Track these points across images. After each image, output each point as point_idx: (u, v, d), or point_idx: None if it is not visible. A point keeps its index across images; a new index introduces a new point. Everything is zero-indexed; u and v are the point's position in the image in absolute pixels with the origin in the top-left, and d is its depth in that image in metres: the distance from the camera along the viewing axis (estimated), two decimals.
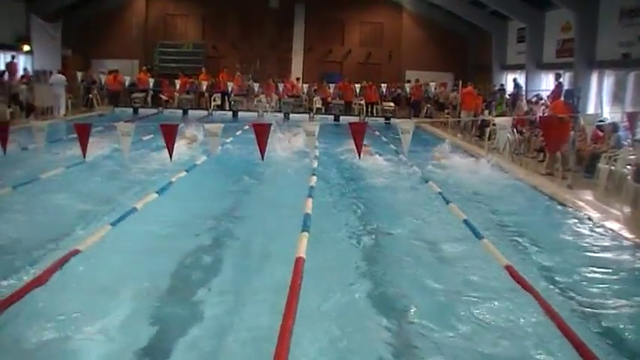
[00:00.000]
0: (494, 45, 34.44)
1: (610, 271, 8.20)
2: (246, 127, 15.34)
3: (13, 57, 29.32)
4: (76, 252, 7.43)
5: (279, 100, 32.87)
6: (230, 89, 32.62)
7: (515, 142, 18.00)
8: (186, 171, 13.51)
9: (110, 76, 32.33)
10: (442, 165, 16.33)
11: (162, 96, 32.56)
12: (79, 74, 31.38)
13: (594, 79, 23.40)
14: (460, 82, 27.64)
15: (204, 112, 31.15)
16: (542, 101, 23.48)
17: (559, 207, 12.05)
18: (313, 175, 13.50)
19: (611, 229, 10.31)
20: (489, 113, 23.53)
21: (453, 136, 23.41)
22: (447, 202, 11.35)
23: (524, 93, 27.83)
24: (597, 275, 8.03)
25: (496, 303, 6.90)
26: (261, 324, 6.09)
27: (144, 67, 35.70)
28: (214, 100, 32.41)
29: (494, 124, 16.80)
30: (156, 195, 11.04)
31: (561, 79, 24.72)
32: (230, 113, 31.43)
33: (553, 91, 23.96)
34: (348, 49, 40.16)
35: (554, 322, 6.02)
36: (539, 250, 9.01)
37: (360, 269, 8.01)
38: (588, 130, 14.00)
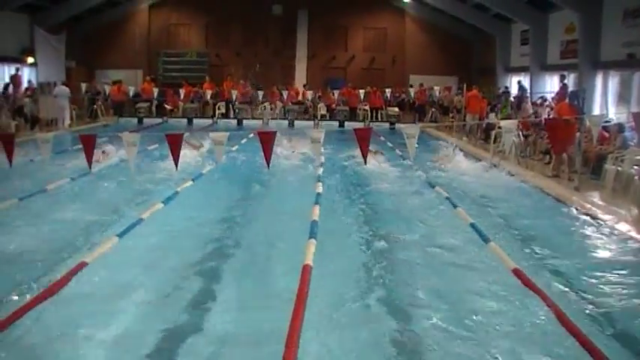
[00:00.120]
0: (498, 48, 34.41)
1: (619, 273, 8.15)
2: (251, 135, 15.33)
3: (17, 69, 29.40)
4: (83, 264, 7.43)
5: (283, 108, 32.92)
6: (234, 97, 32.69)
7: (521, 144, 17.99)
8: (192, 180, 13.52)
9: (114, 86, 32.41)
10: (448, 169, 16.33)
11: (166, 105, 32.62)
12: (83, 85, 31.51)
13: (599, 79, 23.34)
14: (465, 85, 27.61)
15: (209, 121, 31.13)
16: (547, 103, 23.45)
17: (566, 209, 12.01)
18: (319, 181, 13.49)
19: (619, 231, 10.28)
20: (495, 116, 23.47)
21: (459, 139, 23.37)
22: (454, 206, 11.33)
23: (528, 95, 27.80)
24: (606, 277, 7.98)
25: (505, 307, 6.90)
26: (268, 333, 6.08)
27: (148, 77, 35.80)
28: (219, 109, 32.48)
29: (499, 127, 16.79)
30: (162, 205, 11.05)
31: (566, 81, 24.71)
32: (235, 121, 31.39)
33: (558, 93, 23.93)
34: (351, 54, 40.12)
35: (563, 324, 6.00)
36: (546, 253, 8.99)
37: (368, 275, 8.00)
38: (594, 132, 13.96)
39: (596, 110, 22.31)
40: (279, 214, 11.44)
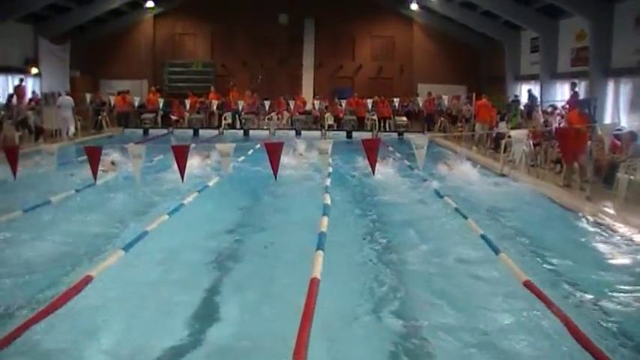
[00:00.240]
0: (508, 56, 34.36)
1: (634, 284, 8.12)
2: (258, 145, 15.37)
3: (21, 80, 29.52)
4: (88, 278, 7.40)
5: (290, 118, 32.95)
6: (241, 107, 32.74)
7: (531, 153, 17.95)
8: (198, 192, 13.52)
9: (118, 97, 32.54)
10: (457, 179, 16.29)
11: (172, 116, 32.78)
12: (88, 96, 31.63)
13: (610, 87, 23.30)
14: (474, 94, 27.57)
15: (215, 132, 31.17)
16: (558, 111, 23.41)
17: (578, 219, 11.98)
18: (327, 192, 13.47)
19: (632, 241, 10.24)
20: (506, 125, 23.44)
21: (468, 149, 23.36)
22: (464, 217, 11.30)
23: (539, 104, 27.74)
24: (620, 289, 7.94)
25: (516, 320, 6.87)
26: (275, 347, 6.06)
27: (153, 88, 35.90)
28: (225, 119, 32.55)
29: (509, 137, 16.76)
30: (167, 217, 11.04)
31: (577, 89, 24.66)
32: (241, 132, 31.44)
33: (568, 101, 23.88)
34: (359, 63, 40.17)
35: (576, 338, 5.96)
36: (558, 265, 8.96)
37: (377, 288, 7.98)
38: (606, 140, 13.93)
39: (608, 118, 22.27)
40: (286, 225, 11.43)
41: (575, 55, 26.82)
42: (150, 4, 37.80)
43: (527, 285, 7.33)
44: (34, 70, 30.99)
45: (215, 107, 33.27)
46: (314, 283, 6.98)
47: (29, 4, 29.21)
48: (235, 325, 6.93)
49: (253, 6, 37.81)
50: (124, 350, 6.15)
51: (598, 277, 8.45)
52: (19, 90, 28.47)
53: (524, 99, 30.72)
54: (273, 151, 10.66)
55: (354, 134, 29.87)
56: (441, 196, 13.48)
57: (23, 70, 30.46)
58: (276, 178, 10.93)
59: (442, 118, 32.00)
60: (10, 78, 30.07)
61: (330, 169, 16.30)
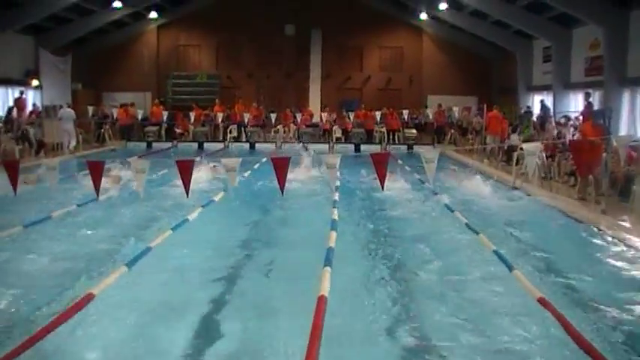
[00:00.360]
0: (519, 66, 34.33)
1: None
2: (264, 159, 15.34)
3: (21, 92, 29.59)
4: (90, 296, 7.37)
5: (297, 130, 32.97)
6: (246, 120, 32.75)
7: (544, 166, 17.90)
8: (203, 207, 13.49)
9: (120, 109, 32.65)
10: (469, 193, 16.26)
11: (176, 129, 32.84)
12: (90, 109, 31.67)
13: (626, 97, 23.25)
14: (485, 105, 27.54)
15: (221, 145, 31.22)
16: (571, 122, 23.35)
17: (593, 233, 11.91)
18: (335, 207, 13.43)
19: None
20: (518, 136, 23.38)
21: (479, 162, 23.33)
22: (476, 233, 11.24)
23: (552, 115, 27.65)
24: (637, 304, 7.90)
25: (531, 338, 6.83)
26: None
27: (156, 100, 36.04)
28: (230, 132, 32.57)
29: (521, 149, 16.73)
30: (171, 232, 11.02)
31: (591, 99, 24.57)
32: (247, 145, 31.50)
33: (583, 112, 23.81)
34: (367, 75, 40.25)
35: (591, 357, 5.91)
36: (573, 281, 8.91)
37: (388, 305, 7.96)
38: (621, 152, 13.87)
39: (624, 129, 22.21)
40: (293, 240, 11.42)
41: (589, 65, 26.80)
42: (153, 15, 37.95)
43: (542, 302, 7.28)
44: (35, 83, 31.13)
45: (220, 120, 33.32)
46: (322, 301, 6.94)
47: (30, 15, 29.39)
48: (241, 344, 6.90)
49: (259, 16, 37.98)
50: None
51: (614, 293, 8.39)
52: (19, 102, 28.55)
53: (536, 110, 30.69)
54: (280, 166, 10.64)
55: (363, 147, 29.85)
56: (452, 211, 13.42)
57: (24, 83, 30.58)
58: (282, 193, 10.89)
59: (452, 131, 32.00)
60: (10, 90, 30.20)
61: (338, 183, 16.28)
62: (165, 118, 33.40)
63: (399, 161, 21.66)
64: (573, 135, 20.43)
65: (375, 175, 11.35)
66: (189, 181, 10.83)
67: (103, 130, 31.22)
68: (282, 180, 10.63)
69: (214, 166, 18.06)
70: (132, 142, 31.19)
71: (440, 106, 33.73)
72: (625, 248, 10.74)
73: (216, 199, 14.78)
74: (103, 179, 11.52)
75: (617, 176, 15.02)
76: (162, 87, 39.56)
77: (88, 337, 6.88)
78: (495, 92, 37.43)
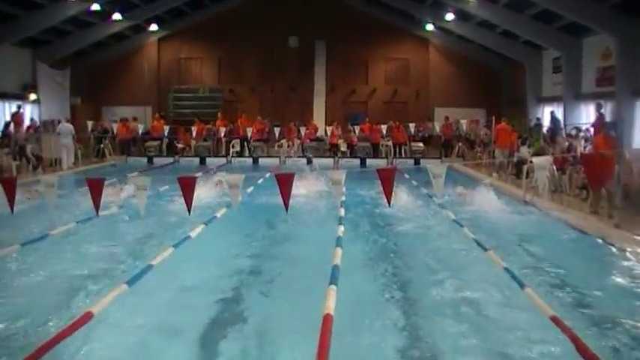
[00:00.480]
0: (529, 77, 34.34)
1: None
2: (268, 174, 15.32)
3: (19, 107, 29.64)
4: (89, 315, 7.34)
5: (301, 145, 32.97)
6: (249, 134, 32.79)
7: (555, 179, 17.85)
8: (205, 224, 13.48)
9: (120, 123, 32.71)
10: (478, 207, 16.22)
11: (177, 144, 32.86)
12: (90, 123, 31.70)
13: (639, 108, 23.19)
14: (493, 117, 27.51)
15: (223, 160, 31.24)
16: (582, 134, 23.30)
17: (606, 248, 11.86)
18: (340, 224, 13.40)
19: None
20: (528, 149, 23.34)
21: (488, 175, 23.29)
22: (485, 249, 11.19)
23: (563, 127, 27.59)
24: None
25: (543, 358, 6.78)
26: None
27: (157, 114, 36.11)
28: (233, 147, 32.57)
29: (531, 162, 16.69)
30: (173, 250, 10.99)
31: (602, 110, 24.51)
32: (250, 160, 31.53)
33: (594, 124, 23.78)
34: (372, 87, 40.24)
35: None
36: (587, 298, 8.86)
37: (395, 325, 7.92)
38: (634, 164, 13.83)
39: (637, 141, 22.15)
40: (297, 258, 11.38)
41: (600, 75, 26.76)
42: (153, 27, 38.06)
43: (555, 320, 7.24)
44: (33, 97, 31.21)
45: (223, 134, 33.34)
46: (327, 320, 6.89)
47: (27, 28, 29.46)
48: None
49: (262, 29, 38.09)
50: None
51: (630, 310, 8.35)
52: (16, 117, 28.57)
53: (546, 122, 30.64)
54: (284, 182, 10.62)
55: (369, 161, 29.85)
56: (461, 226, 13.39)
57: (21, 97, 30.69)
58: (287, 209, 10.87)
59: (460, 144, 31.97)
60: (7, 105, 30.27)
61: (344, 198, 16.25)
62: (166, 132, 33.46)
63: (406, 175, 21.63)
64: (585, 147, 20.39)
65: (381, 190, 11.30)
66: (192, 198, 10.81)
67: (102, 146, 31.32)
68: (286, 196, 10.60)
69: (219, 181, 18.05)
70: (132, 158, 31.27)
71: (447, 118, 33.72)
72: (639, 262, 10.68)
73: (219, 215, 14.76)
74: (105, 193, 11.53)
75: (630, 189, 14.97)
76: (163, 101, 39.63)
77: (85, 356, 6.85)
78: (504, 104, 37.46)
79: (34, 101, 31.41)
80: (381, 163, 29.58)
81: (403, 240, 13.00)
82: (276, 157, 31.51)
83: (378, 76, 40.47)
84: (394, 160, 30.52)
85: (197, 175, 16.83)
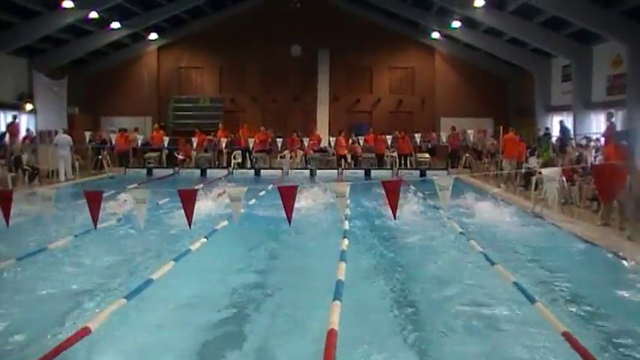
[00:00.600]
0: (537, 85, 34.36)
1: None
2: (270, 186, 15.31)
3: (14, 117, 29.74)
4: (86, 330, 7.31)
5: (304, 156, 32.95)
6: (251, 145, 32.76)
7: (565, 190, 17.81)
8: (206, 237, 13.45)
9: (118, 134, 32.76)
10: (486, 219, 16.18)
11: (177, 155, 32.84)
12: (88, 134, 31.74)
13: None
14: (501, 127, 27.49)
15: (224, 172, 31.15)
16: (593, 144, 23.25)
17: (618, 261, 11.79)
18: (345, 237, 13.37)
19: None
20: (536, 159, 23.30)
21: (496, 186, 23.26)
22: (492, 263, 11.15)
23: (572, 137, 27.54)
24: None
25: None
26: None
27: (156, 125, 36.16)
28: (234, 158, 32.53)
29: (539, 173, 16.65)
30: (173, 263, 10.96)
31: (613, 119, 24.46)
32: (252, 172, 31.44)
33: (605, 133, 23.73)
34: (377, 97, 40.27)
35: None
36: (599, 313, 8.81)
37: (401, 342, 7.89)
38: None
39: None
40: (300, 272, 11.35)
41: (611, 83, 26.76)
42: (153, 35, 38.13)
43: (566, 336, 7.20)
44: (29, 107, 31.27)
45: (224, 145, 33.30)
46: (332, 335, 6.86)
47: (23, 36, 29.56)
48: None
49: (264, 37, 38.17)
50: None
51: None
52: (12, 127, 28.64)
53: (555, 132, 30.60)
54: (287, 195, 10.61)
55: (373, 173, 29.85)
56: (469, 239, 13.35)
57: (17, 107, 30.77)
58: (290, 223, 10.85)
59: (467, 154, 31.93)
60: (2, 114, 30.32)
61: (348, 211, 16.23)
62: (166, 143, 33.42)
63: (412, 187, 21.61)
64: (595, 157, 20.34)
65: (387, 202, 11.27)
66: (192, 211, 10.80)
67: (100, 157, 31.31)
68: (289, 209, 10.59)
69: (222, 193, 18.05)
70: (131, 169, 31.27)
71: (454, 128, 33.71)
72: None
73: (221, 228, 14.75)
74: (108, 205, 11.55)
75: None
76: (163, 111, 39.71)
77: None
78: (512, 113, 37.47)
79: (30, 111, 31.47)
80: (385, 174, 29.57)
81: (409, 254, 12.96)
82: (278, 168, 31.48)
83: (383, 85, 40.52)
84: (399, 171, 30.51)
85: (198, 187, 16.77)
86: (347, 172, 30.28)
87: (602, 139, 23.11)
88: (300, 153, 33.11)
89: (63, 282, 10.45)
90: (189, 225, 10.95)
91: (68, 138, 27.25)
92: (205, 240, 13.19)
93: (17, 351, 7.38)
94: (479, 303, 9.37)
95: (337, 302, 8.13)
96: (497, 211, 17.16)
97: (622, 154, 15.83)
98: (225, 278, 10.95)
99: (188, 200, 10.77)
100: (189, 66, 40.66)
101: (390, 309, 9.20)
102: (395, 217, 11.38)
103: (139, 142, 33.58)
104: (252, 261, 12.40)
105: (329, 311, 7.75)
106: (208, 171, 31.09)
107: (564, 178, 17.65)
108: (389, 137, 32.57)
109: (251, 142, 32.76)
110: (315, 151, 33.21)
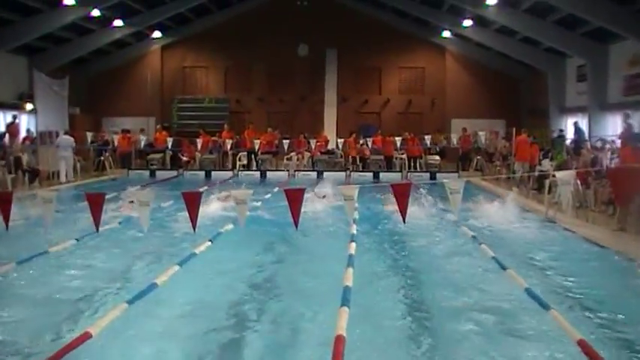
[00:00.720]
0: (551, 86, 34.27)
1: None
2: (276, 189, 15.29)
3: (14, 117, 29.83)
4: (87, 336, 7.31)
5: (311, 158, 32.93)
6: (257, 147, 32.77)
7: (579, 194, 17.76)
8: (210, 241, 13.45)
9: (120, 135, 32.76)
10: (499, 224, 16.13)
11: (181, 156, 32.88)
12: (89, 135, 31.77)
13: None
14: (513, 129, 27.43)
15: (229, 174, 31.20)
16: (608, 146, 23.17)
17: (635, 267, 11.75)
18: (353, 241, 13.34)
19: None
20: (550, 162, 23.25)
21: (508, 190, 23.21)
22: (504, 268, 11.11)
23: (587, 139, 27.43)
24: None
25: None
26: None
27: (159, 125, 36.11)
28: (240, 160, 32.56)
29: (553, 176, 16.60)
30: (177, 268, 10.96)
31: (630, 120, 24.36)
32: (258, 174, 31.36)
33: (621, 135, 23.63)
34: (386, 97, 40.23)
35: None
36: (616, 321, 8.76)
37: (411, 350, 7.86)
38: None
39: None
40: (307, 277, 11.33)
41: (628, 83, 26.66)
42: (157, 34, 38.16)
43: (582, 345, 7.17)
44: (29, 107, 31.32)
45: (229, 147, 33.32)
46: (340, 341, 6.84)
47: (23, 35, 29.66)
48: None
49: (270, 36, 38.20)
50: None
51: None
52: (11, 128, 28.70)
53: (570, 133, 30.50)
54: (294, 198, 10.60)
55: (382, 175, 29.80)
56: (480, 244, 13.32)
57: (17, 106, 30.84)
58: (297, 226, 10.83)
59: (478, 157, 31.86)
60: (1, 115, 30.39)
61: (356, 215, 16.20)
62: (169, 144, 33.43)
63: (421, 190, 21.57)
64: (611, 160, 20.28)
65: (396, 206, 11.24)
66: (197, 214, 10.79)
67: (102, 158, 31.40)
68: (296, 213, 10.58)
69: (227, 196, 18.05)
70: (134, 171, 31.29)
71: (465, 130, 33.65)
72: None
73: (226, 231, 14.74)
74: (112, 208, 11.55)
75: None
76: (166, 112, 39.71)
77: None
78: (525, 115, 37.36)
79: (30, 111, 31.51)
80: (394, 176, 29.55)
81: (419, 258, 12.93)
82: (285, 170, 31.47)
83: (392, 85, 40.50)
84: (409, 174, 30.47)
85: (202, 189, 16.77)
86: (355, 175, 30.21)
87: (619, 141, 23.02)
88: (306, 155, 33.08)
89: (63, 286, 10.46)
90: (194, 228, 10.95)
91: (70, 139, 27.33)
92: (210, 243, 13.20)
93: (18, 356, 7.37)
94: (491, 309, 9.34)
95: (345, 308, 8.11)
96: (509, 215, 17.10)
97: (639, 156, 15.77)
98: (231, 283, 10.93)
99: (192, 203, 10.77)
100: (193, 65, 40.72)
101: (400, 314, 9.18)
102: (404, 221, 11.36)
103: (142, 144, 33.54)
104: (258, 265, 12.39)
105: (337, 317, 7.74)
106: (213, 173, 31.06)
107: (579, 182, 17.60)
108: (398, 139, 32.43)
109: (257, 143, 32.74)
110: (322, 153, 33.18)
